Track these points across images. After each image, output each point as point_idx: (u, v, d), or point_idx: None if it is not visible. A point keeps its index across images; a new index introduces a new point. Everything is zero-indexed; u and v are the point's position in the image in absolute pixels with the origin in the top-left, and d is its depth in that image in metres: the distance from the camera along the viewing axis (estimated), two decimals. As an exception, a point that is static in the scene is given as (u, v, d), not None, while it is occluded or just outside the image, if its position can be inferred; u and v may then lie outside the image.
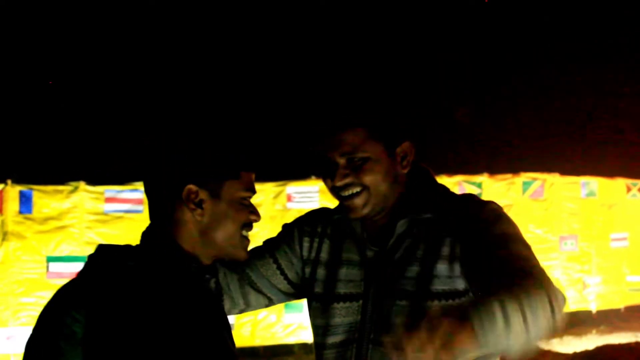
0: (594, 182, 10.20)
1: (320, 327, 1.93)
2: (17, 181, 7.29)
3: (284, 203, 8.14)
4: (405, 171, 1.90)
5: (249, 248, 2.02)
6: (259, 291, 2.04)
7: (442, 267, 1.80)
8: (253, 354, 8.06)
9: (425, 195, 1.91)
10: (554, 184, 9.83)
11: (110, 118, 12.28)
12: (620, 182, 10.50)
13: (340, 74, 13.13)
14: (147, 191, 1.78)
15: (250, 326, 8.06)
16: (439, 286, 1.79)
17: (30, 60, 12.10)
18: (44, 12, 12.36)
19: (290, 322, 8.12)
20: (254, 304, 2.07)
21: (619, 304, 10.38)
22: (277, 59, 13.69)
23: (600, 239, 10.18)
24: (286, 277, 2.04)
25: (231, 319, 7.59)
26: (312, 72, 13.29)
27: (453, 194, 1.97)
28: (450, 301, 1.78)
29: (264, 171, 9.14)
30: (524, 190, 9.57)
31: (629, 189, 10.53)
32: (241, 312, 2.12)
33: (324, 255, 1.98)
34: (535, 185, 9.66)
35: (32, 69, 12.10)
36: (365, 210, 1.84)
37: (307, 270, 2.00)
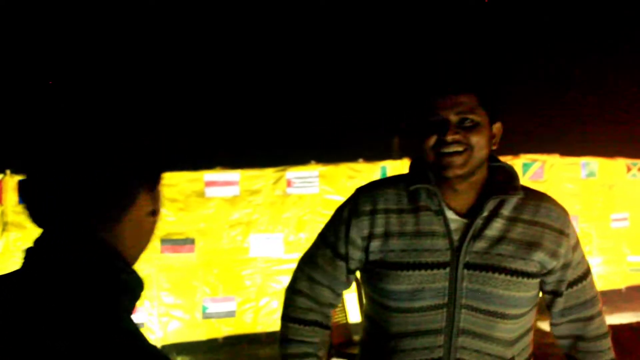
0: (594, 163, 10.18)
1: (403, 292, 2.02)
2: (16, 171, 7.25)
3: (283, 188, 8.13)
4: (494, 147, 2.08)
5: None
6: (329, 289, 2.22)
7: (542, 256, 2.03)
8: (255, 341, 8.07)
9: (512, 177, 2.09)
10: (554, 165, 9.81)
11: (108, 106, 12.23)
12: (621, 162, 10.48)
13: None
14: None
15: (252, 313, 8.06)
16: (533, 268, 2.02)
17: (25, 52, 12.05)
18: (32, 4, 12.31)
19: (292, 308, 8.12)
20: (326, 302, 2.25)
21: (620, 284, 10.39)
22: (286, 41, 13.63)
23: (600, 220, 10.17)
24: (349, 270, 2.17)
25: (232, 305, 7.58)
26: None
27: (526, 186, 2.15)
28: (534, 279, 2.03)
29: (263, 157, 9.17)
30: (524, 172, 9.54)
31: (629, 169, 10.51)
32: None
33: (394, 227, 2.07)
34: (535, 167, 9.64)
35: (28, 60, 12.06)
36: (464, 170, 1.97)
37: (375, 244, 2.09)
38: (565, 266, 2.09)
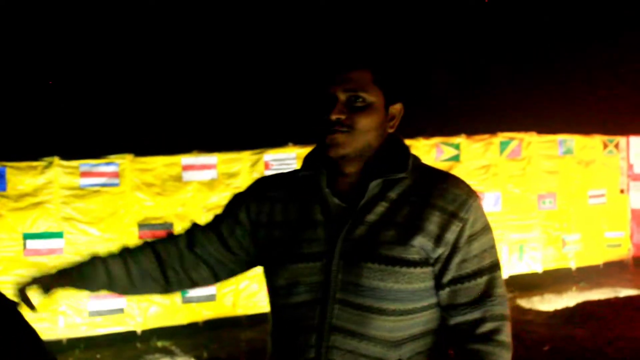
0: (571, 140, 10.23)
1: (281, 287, 1.90)
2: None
3: (261, 171, 8.09)
4: (391, 131, 1.94)
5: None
6: (203, 264, 2.08)
7: (423, 241, 1.81)
8: (236, 324, 8.06)
9: (398, 157, 1.91)
10: (531, 143, 9.85)
11: (82, 90, 12.12)
12: (597, 139, 10.54)
13: (350, 18, 13.09)
14: None
15: (232, 296, 8.04)
16: (415, 255, 1.81)
17: (8, 42, 11.91)
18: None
19: (272, 290, 8.12)
20: (196, 279, 2.10)
21: (598, 260, 10.47)
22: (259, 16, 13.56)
23: (578, 197, 10.24)
24: (228, 249, 2.06)
25: (212, 289, 7.58)
26: (315, 16, 13.19)
27: (427, 165, 1.99)
28: (419, 269, 1.81)
29: (240, 139, 9.12)
30: (502, 150, 9.57)
31: (605, 146, 10.57)
32: (187, 287, 2.15)
33: (278, 217, 1.96)
34: (513, 145, 9.67)
35: (7, 48, 11.91)
36: (345, 150, 1.85)
37: (261, 234, 1.99)
38: (452, 254, 1.83)
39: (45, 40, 12.30)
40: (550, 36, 14.17)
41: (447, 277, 1.84)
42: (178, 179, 7.85)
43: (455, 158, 9.11)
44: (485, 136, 9.55)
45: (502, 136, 9.65)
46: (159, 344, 7.61)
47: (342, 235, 1.84)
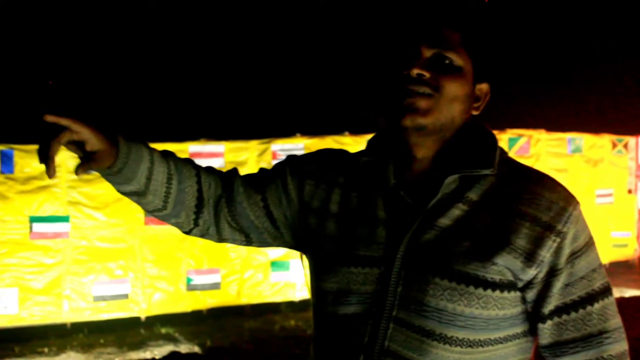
0: (580, 139, 10.19)
1: (329, 292, 1.57)
2: (1, 141, 7.19)
3: (269, 161, 8.08)
4: (475, 113, 1.62)
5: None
6: (238, 231, 1.75)
7: (509, 259, 1.45)
8: (239, 313, 8.07)
9: (483, 148, 1.57)
10: (540, 140, 9.82)
11: (91, 76, 12.13)
12: (606, 139, 10.50)
13: None
14: None
15: (237, 285, 8.05)
16: (496, 275, 1.45)
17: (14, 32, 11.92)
18: None
19: (276, 281, 8.12)
20: (226, 238, 1.78)
21: (604, 259, 10.44)
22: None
23: (585, 196, 10.20)
24: (274, 223, 1.73)
25: (217, 277, 7.58)
26: None
27: (516, 161, 1.63)
28: (499, 292, 1.46)
29: (248, 128, 9.14)
30: (510, 147, 9.54)
31: (614, 145, 10.53)
32: (214, 239, 1.79)
33: (334, 206, 1.62)
34: (521, 142, 9.64)
35: (12, 38, 11.93)
36: (426, 119, 1.50)
37: (312, 220, 1.65)
38: (552, 277, 1.47)
39: (52, 28, 12.31)
40: (561, 34, 14.12)
41: (549, 307, 1.49)
42: (185, 166, 7.85)
43: (463, 153, 9.09)
44: (494, 132, 9.50)
45: (511, 132, 9.62)
46: (163, 330, 7.63)
47: (406, 239, 1.50)
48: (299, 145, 8.21)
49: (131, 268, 7.57)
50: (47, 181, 7.24)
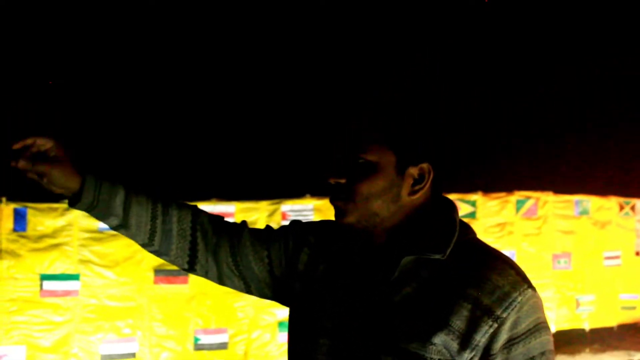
0: (587, 201, 10.24)
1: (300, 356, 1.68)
2: (11, 199, 7.28)
3: (278, 221, 8.15)
4: (414, 197, 1.60)
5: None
6: (240, 272, 1.85)
7: (447, 339, 1.47)
8: (247, 373, 8.05)
9: (441, 233, 1.57)
10: (547, 202, 9.87)
11: (102, 131, 12.27)
12: (613, 201, 10.55)
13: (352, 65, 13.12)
14: None
15: (244, 345, 8.04)
16: (434, 355, 1.47)
17: (19, 69, 12.11)
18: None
19: (284, 341, 8.11)
20: (228, 282, 1.89)
21: (612, 322, 10.39)
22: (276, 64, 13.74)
23: (593, 258, 10.21)
24: (272, 274, 1.83)
25: (224, 337, 7.56)
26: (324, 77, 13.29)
27: (478, 242, 1.62)
28: None
29: (258, 189, 9.19)
30: (518, 209, 9.60)
31: (621, 207, 10.57)
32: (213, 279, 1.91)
33: (318, 276, 1.70)
34: (529, 204, 9.69)
35: (22, 78, 12.11)
36: (348, 219, 1.59)
37: (297, 285, 1.74)
38: None
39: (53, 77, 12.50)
40: (569, 97, 14.26)
41: None
42: (195, 226, 7.90)
43: (472, 215, 9.15)
44: (502, 194, 9.59)
45: (519, 195, 9.69)
46: (169, 390, 7.61)
47: (363, 316, 1.55)
48: (309, 206, 8.29)
49: (139, 327, 7.59)
50: (59, 239, 7.32)
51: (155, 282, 7.61)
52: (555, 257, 9.88)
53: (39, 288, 7.22)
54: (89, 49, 12.49)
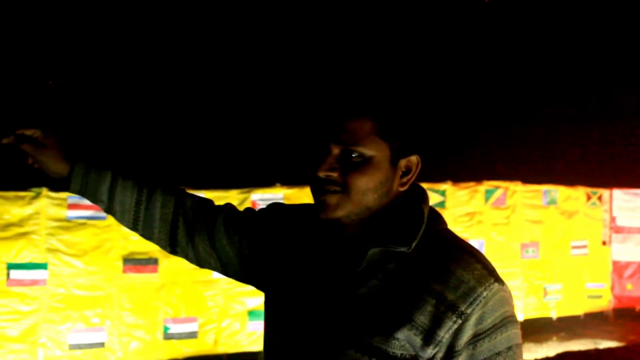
0: (555, 191, 10.34)
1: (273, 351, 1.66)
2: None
3: (248, 210, 8.13)
4: (402, 189, 1.60)
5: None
6: (216, 253, 1.90)
7: (409, 334, 1.45)
8: (216, 362, 8.04)
9: (408, 225, 1.55)
10: (516, 192, 9.96)
11: (73, 121, 12.16)
12: (581, 191, 10.66)
13: (348, 59, 13.07)
14: None
15: (214, 334, 8.03)
16: (397, 350, 1.44)
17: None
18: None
19: (253, 330, 8.12)
20: (205, 263, 1.94)
21: (579, 311, 10.52)
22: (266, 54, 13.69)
23: (560, 247, 10.32)
24: (240, 253, 1.86)
25: (194, 326, 7.54)
26: (319, 60, 13.26)
27: (448, 233, 1.61)
28: None
29: (227, 178, 9.18)
30: (487, 199, 9.67)
31: (589, 198, 10.69)
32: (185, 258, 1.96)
33: (289, 264, 1.68)
34: (498, 194, 9.76)
35: (22, 78, 11.98)
36: (337, 214, 1.54)
37: (268, 270, 1.75)
38: (451, 359, 1.44)
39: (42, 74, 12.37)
40: (537, 87, 14.37)
41: None
42: (165, 214, 7.87)
43: (441, 204, 9.20)
44: (471, 184, 9.65)
45: (488, 184, 9.75)
46: (138, 379, 7.58)
47: (324, 306, 1.54)
48: (279, 195, 8.28)
49: (108, 316, 7.54)
50: (26, 228, 7.24)
51: (124, 271, 7.56)
52: (524, 246, 9.97)
53: (5, 277, 7.14)
54: (89, 49, 12.38)
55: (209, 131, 12.97)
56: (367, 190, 1.53)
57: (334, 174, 1.53)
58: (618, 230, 10.88)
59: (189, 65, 13.46)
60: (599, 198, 10.79)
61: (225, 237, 1.88)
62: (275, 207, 1.89)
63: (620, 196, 10.91)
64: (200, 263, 1.94)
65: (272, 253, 1.76)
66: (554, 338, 9.66)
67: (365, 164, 1.52)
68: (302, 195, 8.31)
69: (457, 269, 1.46)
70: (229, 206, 2.00)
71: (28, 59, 12.08)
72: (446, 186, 9.40)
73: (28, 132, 1.87)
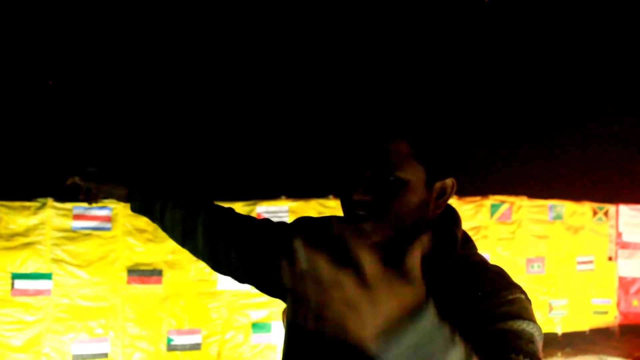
0: (561, 206, 10.32)
1: None
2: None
3: (253, 222, 8.12)
4: (437, 212, 1.58)
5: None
6: (238, 263, 1.96)
7: None
8: (220, 374, 8.02)
9: (441, 249, 1.58)
10: (521, 207, 9.94)
11: (75, 132, 12.20)
12: (587, 206, 10.64)
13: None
14: None
15: (217, 346, 8.02)
16: None
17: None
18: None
19: (257, 342, 8.10)
20: (229, 273, 2.03)
21: (584, 326, 10.48)
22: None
23: (566, 262, 10.29)
24: (258, 265, 1.92)
25: (198, 337, 7.53)
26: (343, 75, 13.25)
27: (475, 262, 1.59)
28: None
29: (233, 190, 9.18)
30: (492, 213, 9.65)
31: (595, 213, 10.66)
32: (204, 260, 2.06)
33: (304, 277, 1.61)
34: (503, 208, 9.75)
35: (22, 78, 12.02)
36: (374, 238, 1.48)
37: (285, 282, 1.68)
38: None
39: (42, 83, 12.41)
40: (545, 104, 14.36)
41: None
42: (170, 226, 7.87)
43: (446, 218, 9.18)
44: (477, 198, 9.64)
45: (493, 199, 9.74)
46: (141, 391, 7.56)
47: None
48: (284, 207, 8.28)
49: (112, 327, 7.54)
50: (31, 238, 7.25)
51: (129, 282, 7.56)
52: (529, 261, 9.94)
53: (10, 287, 7.14)
54: (89, 48, 12.41)
55: (215, 143, 12.98)
56: (403, 214, 1.48)
57: (367, 198, 1.47)
58: (624, 245, 10.84)
59: (195, 75, 13.49)
60: (605, 213, 10.76)
61: (246, 245, 1.93)
62: (304, 221, 1.86)
63: (626, 212, 10.88)
64: (224, 271, 2.06)
65: (301, 267, 1.69)
66: (559, 354, 9.62)
67: (401, 187, 1.48)
68: (308, 208, 8.31)
69: (490, 299, 1.46)
70: (245, 218, 2.02)
71: (28, 59, 12.11)
72: (451, 200, 9.38)
73: (91, 170, 2.15)
